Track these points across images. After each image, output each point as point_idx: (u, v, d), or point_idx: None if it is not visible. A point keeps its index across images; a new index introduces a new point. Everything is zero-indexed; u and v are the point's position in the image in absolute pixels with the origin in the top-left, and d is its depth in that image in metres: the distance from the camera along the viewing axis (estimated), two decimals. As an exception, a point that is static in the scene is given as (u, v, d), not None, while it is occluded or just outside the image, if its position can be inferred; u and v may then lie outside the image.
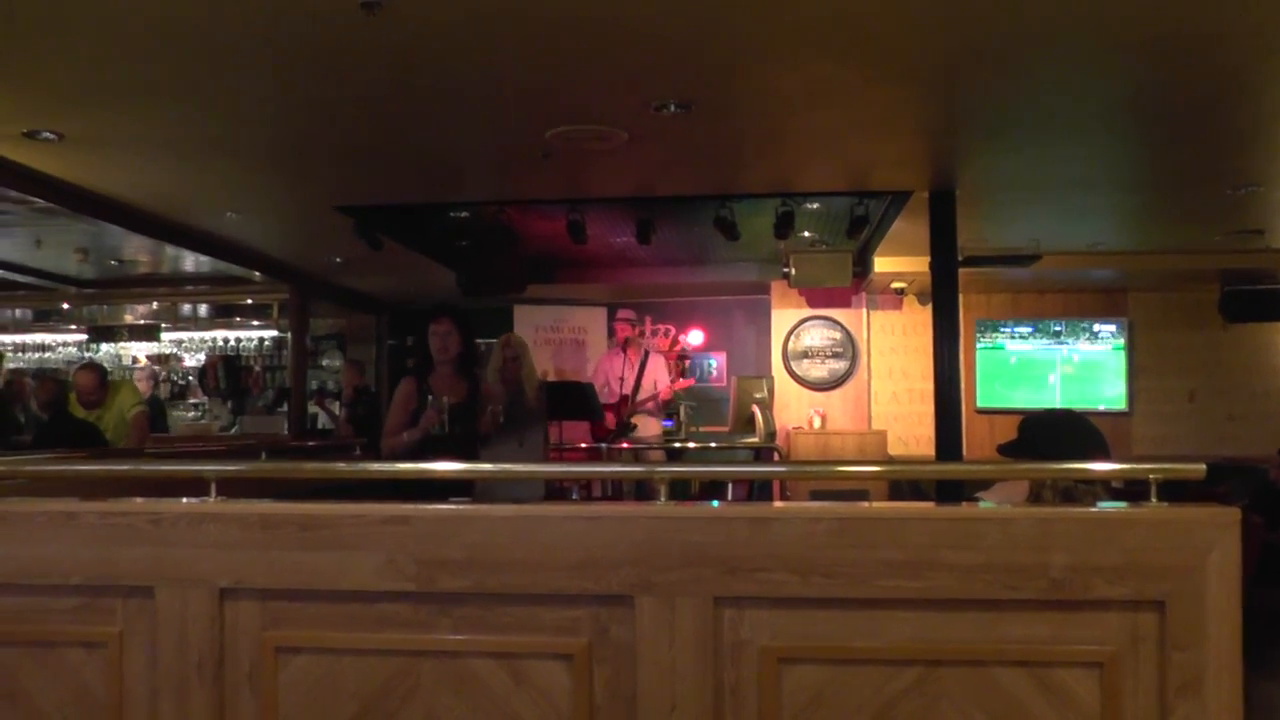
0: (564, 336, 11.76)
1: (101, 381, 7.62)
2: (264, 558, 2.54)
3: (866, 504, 2.50)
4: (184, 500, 2.64)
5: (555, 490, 7.77)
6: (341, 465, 3.00)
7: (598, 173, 6.62)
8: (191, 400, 13.19)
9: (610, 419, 9.15)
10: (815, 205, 7.83)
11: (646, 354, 9.65)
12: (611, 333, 10.99)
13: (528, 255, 9.52)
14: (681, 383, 10.31)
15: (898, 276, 10.14)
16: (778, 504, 2.62)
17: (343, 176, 6.75)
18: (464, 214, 8.09)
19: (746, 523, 2.43)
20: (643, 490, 7.00)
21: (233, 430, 12.40)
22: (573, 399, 8.14)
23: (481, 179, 6.94)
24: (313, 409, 11.18)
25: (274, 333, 13.01)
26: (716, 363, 12.40)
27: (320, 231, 8.31)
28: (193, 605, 2.55)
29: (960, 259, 7.42)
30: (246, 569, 2.55)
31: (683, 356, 12.08)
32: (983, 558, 2.36)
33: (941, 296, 7.26)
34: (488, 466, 3.90)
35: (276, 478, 2.94)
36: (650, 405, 9.46)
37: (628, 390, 9.36)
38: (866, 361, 11.09)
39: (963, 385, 7.56)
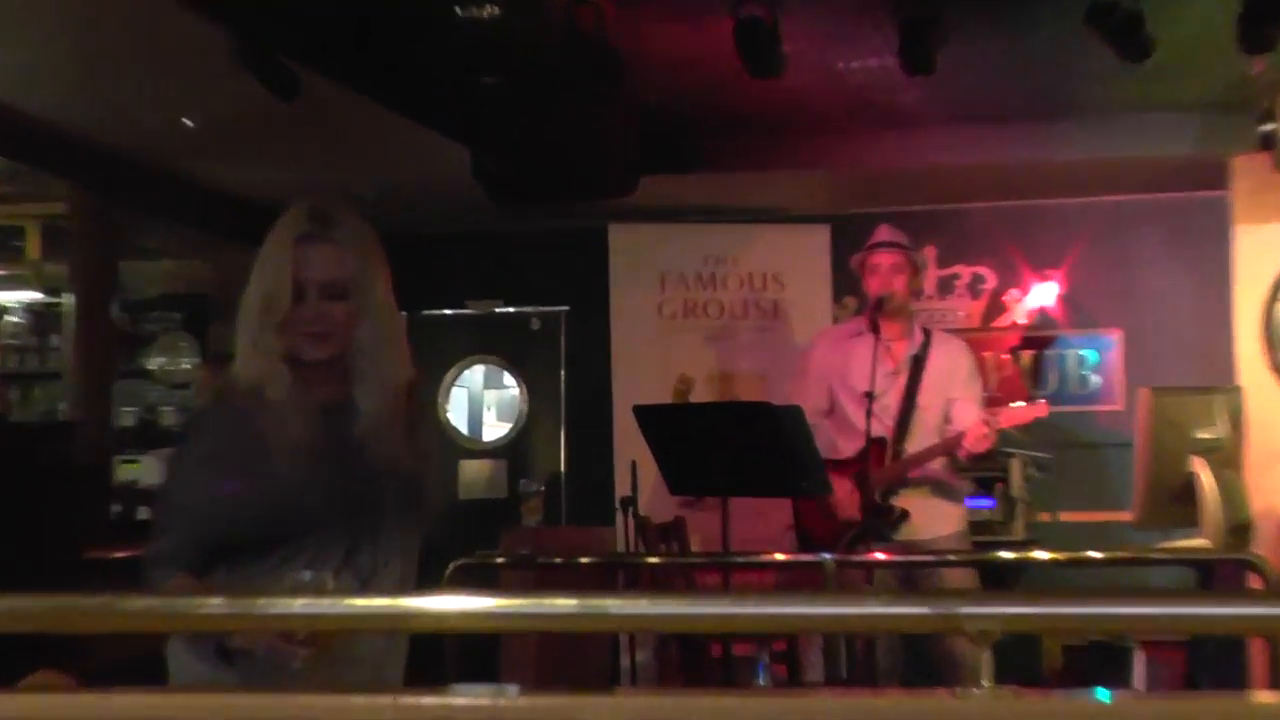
0: (731, 296, 6.09)
1: None
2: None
3: None
4: None
5: (726, 668, 4.40)
6: (216, 602, 1.60)
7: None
8: None
9: (844, 494, 4.45)
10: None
11: (928, 334, 4.65)
12: (845, 280, 5.52)
13: (641, 107, 4.67)
14: (1017, 413, 4.50)
15: None
16: (1266, 697, 1.76)
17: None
18: (489, 10, 3.69)
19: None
20: (921, 661, 4.24)
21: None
22: (754, 445, 3.87)
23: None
24: (130, 466, 6.00)
25: (32, 295, 6.63)
26: (1099, 356, 6.33)
27: (145, 60, 4.23)
28: None
29: None
30: None
31: (1026, 343, 6.32)
32: None
33: None
34: (519, 603, 1.73)
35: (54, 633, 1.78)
36: (939, 465, 4.58)
37: (888, 424, 4.53)
38: None
39: None
